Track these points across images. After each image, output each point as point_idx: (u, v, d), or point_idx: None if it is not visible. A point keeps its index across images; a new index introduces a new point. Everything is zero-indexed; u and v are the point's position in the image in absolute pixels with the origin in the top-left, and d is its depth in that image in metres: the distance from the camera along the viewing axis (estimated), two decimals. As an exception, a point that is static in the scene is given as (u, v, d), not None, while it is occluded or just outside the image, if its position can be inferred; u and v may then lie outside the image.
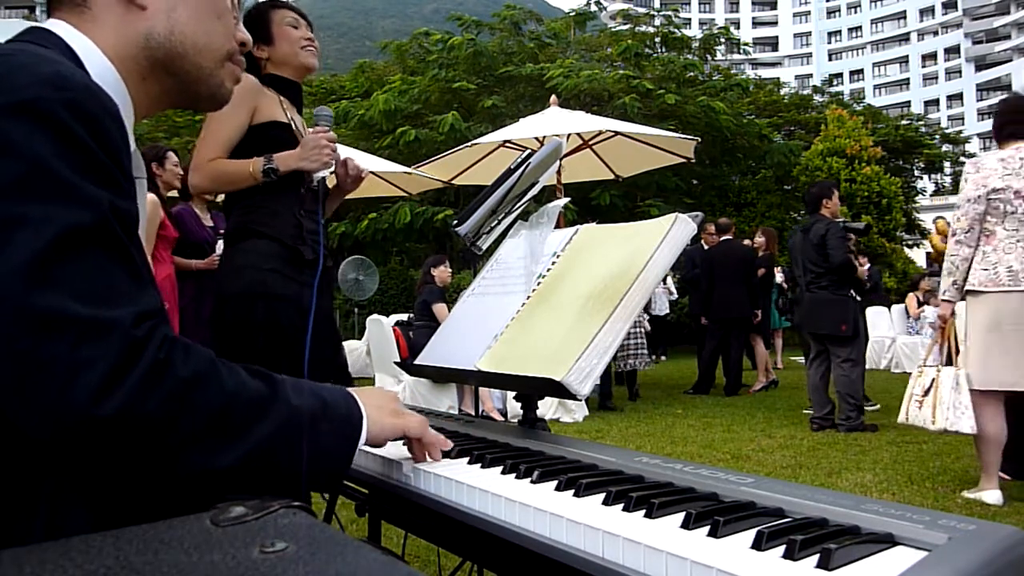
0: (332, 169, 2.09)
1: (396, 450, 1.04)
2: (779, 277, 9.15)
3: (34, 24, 0.83)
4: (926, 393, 3.35)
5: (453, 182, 8.02)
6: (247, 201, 2.01)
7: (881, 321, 10.29)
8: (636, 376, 7.72)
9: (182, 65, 0.87)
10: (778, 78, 28.53)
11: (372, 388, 0.95)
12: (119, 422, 0.64)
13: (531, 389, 1.17)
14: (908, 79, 69.84)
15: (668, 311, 11.22)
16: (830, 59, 73.61)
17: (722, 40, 20.14)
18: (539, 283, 1.25)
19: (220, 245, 4.06)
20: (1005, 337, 3.21)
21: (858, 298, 5.65)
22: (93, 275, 0.66)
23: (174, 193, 4.70)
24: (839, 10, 74.56)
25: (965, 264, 3.33)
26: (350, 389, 0.89)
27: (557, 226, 1.41)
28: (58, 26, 0.82)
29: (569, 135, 6.75)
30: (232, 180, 1.98)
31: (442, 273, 6.28)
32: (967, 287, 3.34)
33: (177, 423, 0.68)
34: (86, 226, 0.66)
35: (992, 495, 3.32)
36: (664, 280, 9.71)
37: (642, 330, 7.44)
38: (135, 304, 0.68)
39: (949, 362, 3.58)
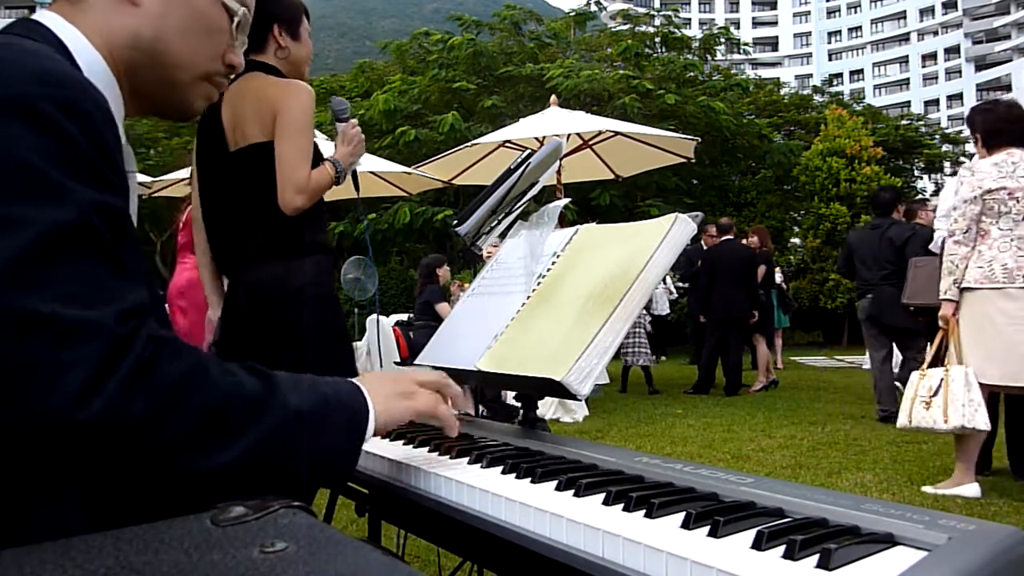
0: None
1: (397, 450, 1.04)
2: (778, 277, 9.15)
3: (24, 17, 0.82)
4: (934, 394, 3.36)
5: (453, 182, 8.03)
6: (314, 217, 2.08)
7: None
8: (650, 372, 8.20)
9: (157, 73, 0.86)
10: (778, 78, 28.50)
11: (382, 372, 0.94)
12: (102, 425, 0.62)
13: (531, 389, 1.17)
14: (908, 79, 69.81)
15: (668, 311, 11.23)
16: (830, 59, 73.58)
17: (722, 40, 20.14)
18: (539, 283, 1.25)
19: None
20: (1000, 333, 3.29)
21: None
22: (76, 275, 0.64)
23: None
24: (839, 10, 74.53)
25: (964, 263, 3.41)
26: (356, 379, 0.87)
27: (557, 226, 1.41)
28: (49, 18, 0.80)
29: (569, 135, 6.75)
30: (324, 191, 2.06)
31: (445, 273, 6.33)
32: (963, 285, 3.40)
33: (165, 423, 0.66)
34: (69, 225, 0.64)
35: (971, 488, 3.41)
36: (664, 280, 9.76)
37: (642, 329, 7.74)
38: (119, 302, 0.66)
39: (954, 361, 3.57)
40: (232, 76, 0.98)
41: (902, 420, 3.53)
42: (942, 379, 3.36)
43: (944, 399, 3.30)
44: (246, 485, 0.70)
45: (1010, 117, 3.52)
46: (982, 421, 3.23)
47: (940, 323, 3.54)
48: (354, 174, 2.27)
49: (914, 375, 3.55)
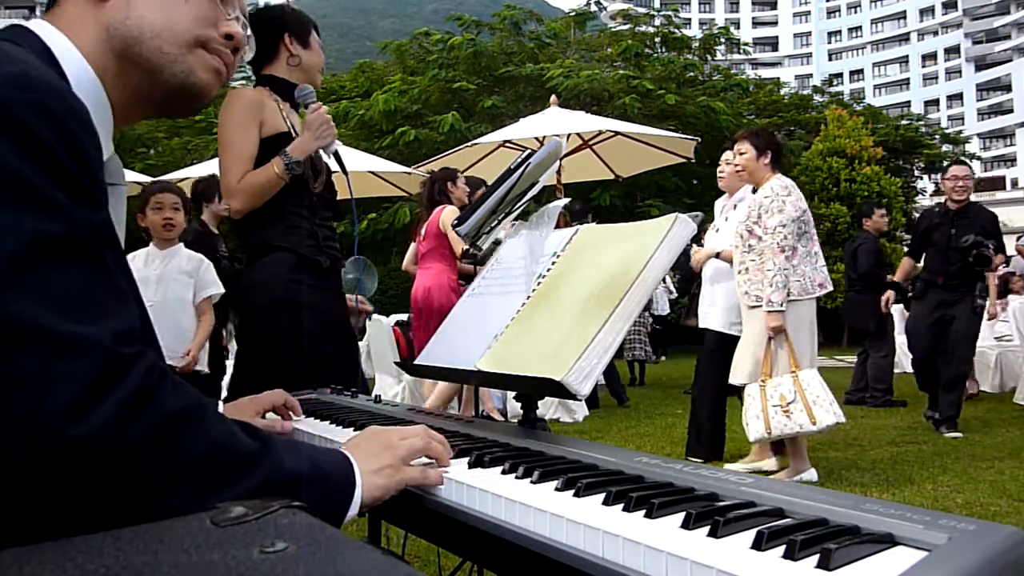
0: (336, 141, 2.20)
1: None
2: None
3: (15, 22, 0.80)
4: (792, 400, 3.53)
5: (453, 182, 8.02)
6: (265, 218, 2.08)
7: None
8: (644, 367, 8.69)
9: (140, 51, 0.82)
10: (778, 78, 28.49)
11: (371, 435, 0.89)
12: (94, 446, 0.60)
13: (531, 389, 1.17)
14: (908, 79, 69.81)
15: (668, 311, 11.22)
16: (830, 59, 73.57)
17: (722, 40, 20.13)
18: (539, 283, 1.25)
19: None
20: (813, 336, 3.80)
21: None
22: (67, 287, 0.62)
23: None
24: (839, 10, 74.52)
25: (791, 276, 3.72)
26: (345, 449, 0.85)
27: (557, 226, 1.41)
28: (39, 25, 0.79)
29: (569, 135, 6.75)
30: (266, 189, 2.04)
31: None
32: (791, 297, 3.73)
33: (158, 459, 0.64)
34: (58, 235, 0.62)
35: (810, 474, 3.83)
36: (664, 280, 9.80)
37: (642, 327, 8.11)
38: (113, 320, 0.64)
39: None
40: (238, 62, 0.95)
41: (759, 433, 3.65)
42: (793, 385, 3.55)
43: (805, 403, 3.49)
44: None
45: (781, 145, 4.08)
46: (841, 414, 3.56)
47: (770, 334, 3.66)
48: (337, 155, 2.18)
49: (753, 388, 3.71)
